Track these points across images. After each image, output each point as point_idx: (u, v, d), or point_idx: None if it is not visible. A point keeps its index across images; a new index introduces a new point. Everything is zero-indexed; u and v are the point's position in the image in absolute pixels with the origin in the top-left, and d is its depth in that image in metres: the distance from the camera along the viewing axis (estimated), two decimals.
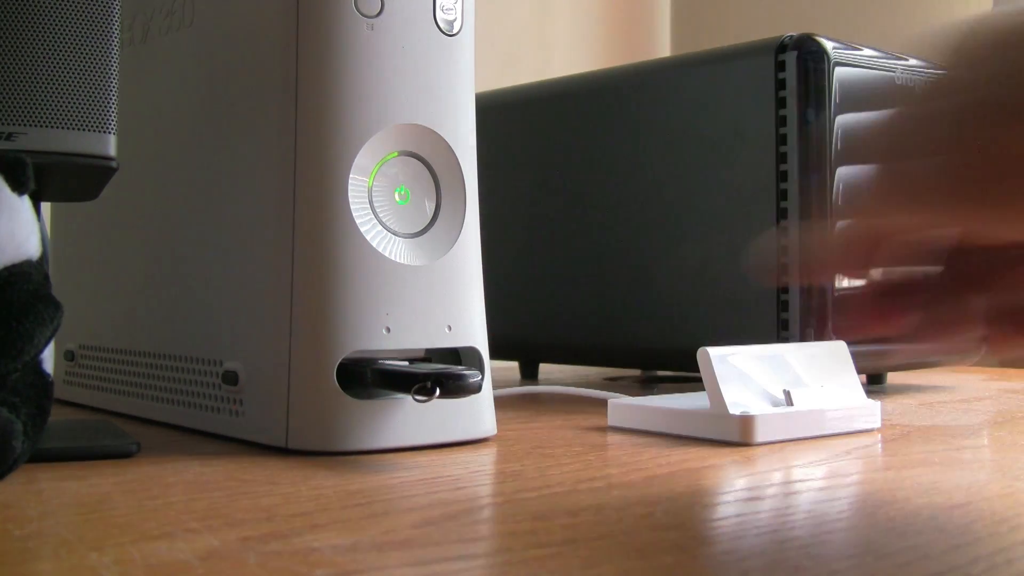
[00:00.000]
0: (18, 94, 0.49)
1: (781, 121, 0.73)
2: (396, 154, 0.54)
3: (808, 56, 0.73)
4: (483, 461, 0.51)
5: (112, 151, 0.51)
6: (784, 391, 0.58)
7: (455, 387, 0.49)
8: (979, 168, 0.33)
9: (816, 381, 0.60)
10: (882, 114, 0.37)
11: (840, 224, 0.75)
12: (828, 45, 0.74)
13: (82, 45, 0.50)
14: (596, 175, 0.86)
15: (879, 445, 0.57)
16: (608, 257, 0.84)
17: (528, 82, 0.95)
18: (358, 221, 0.52)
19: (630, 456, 0.52)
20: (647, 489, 0.44)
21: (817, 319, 0.72)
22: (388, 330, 0.52)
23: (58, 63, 0.49)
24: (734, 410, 0.55)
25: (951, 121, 0.33)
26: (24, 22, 0.49)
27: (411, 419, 0.53)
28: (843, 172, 0.73)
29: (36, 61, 0.49)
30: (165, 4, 0.63)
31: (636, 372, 1.00)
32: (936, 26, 0.35)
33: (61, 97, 0.49)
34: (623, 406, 0.61)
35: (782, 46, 0.74)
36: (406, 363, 0.53)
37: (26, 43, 0.49)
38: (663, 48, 1.58)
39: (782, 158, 0.73)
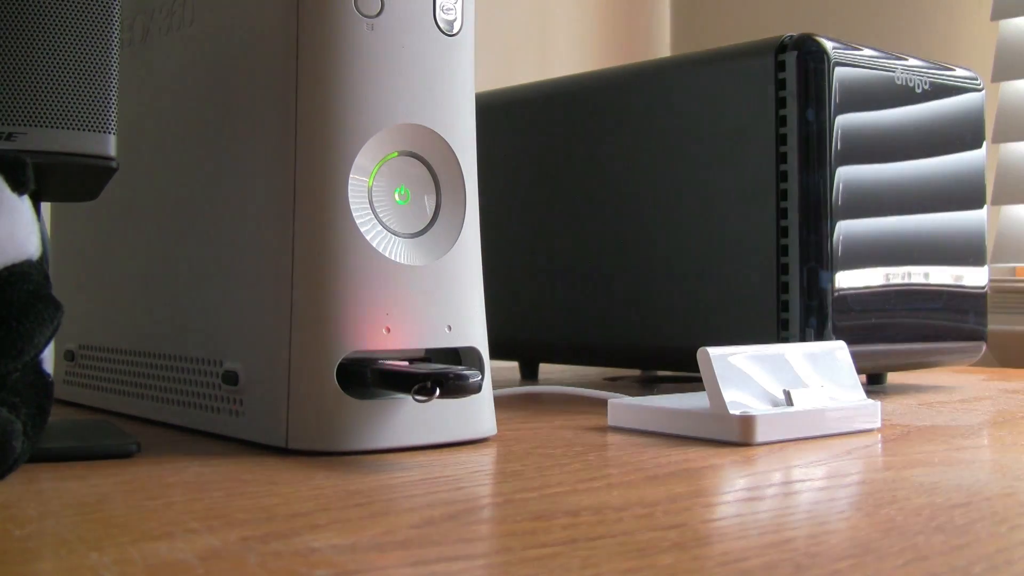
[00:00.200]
0: (18, 94, 0.49)
1: (781, 121, 0.73)
2: (396, 154, 0.54)
3: (808, 56, 0.73)
4: (483, 461, 0.51)
5: (112, 151, 0.51)
6: (784, 391, 0.58)
7: (455, 387, 0.49)
8: None
9: (816, 381, 0.60)
10: None
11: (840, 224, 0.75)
12: (828, 45, 0.74)
13: (82, 45, 0.50)
14: (596, 175, 0.86)
15: (879, 445, 0.57)
16: (608, 257, 0.84)
17: (528, 82, 0.95)
18: (358, 221, 0.52)
19: (630, 456, 0.52)
20: (647, 489, 0.44)
21: (817, 319, 0.72)
22: (388, 330, 0.52)
23: (58, 63, 0.49)
24: (734, 410, 0.55)
25: None
26: (24, 22, 0.49)
27: (411, 419, 0.53)
28: (843, 172, 0.73)
29: (36, 61, 0.49)
30: (165, 4, 0.63)
31: (636, 372, 1.00)
32: None
33: (61, 97, 0.49)
34: (623, 406, 0.61)
35: (782, 46, 0.74)
36: (406, 363, 0.53)
37: (26, 43, 0.49)
38: (663, 48, 1.58)
39: (782, 158, 0.73)
